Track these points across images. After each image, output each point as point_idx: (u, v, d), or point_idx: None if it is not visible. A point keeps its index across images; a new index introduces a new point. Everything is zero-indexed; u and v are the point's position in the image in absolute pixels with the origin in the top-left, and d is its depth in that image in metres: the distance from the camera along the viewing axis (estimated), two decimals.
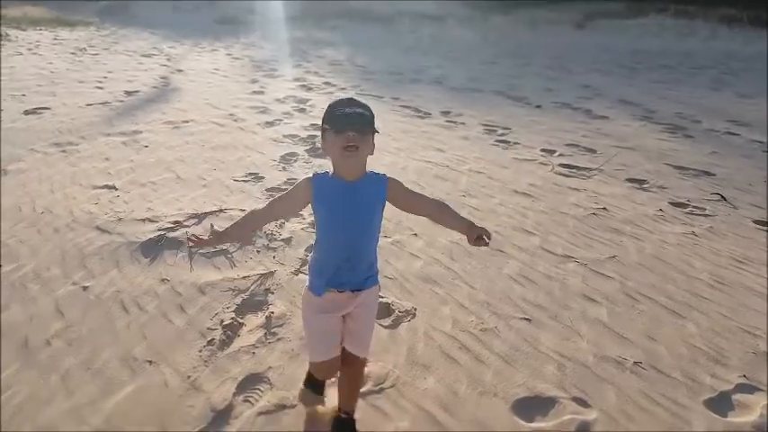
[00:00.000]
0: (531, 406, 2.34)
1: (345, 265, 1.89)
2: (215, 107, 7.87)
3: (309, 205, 1.90)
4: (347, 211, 1.84)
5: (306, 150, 5.84)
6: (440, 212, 2.00)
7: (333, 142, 1.77)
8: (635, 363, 2.64)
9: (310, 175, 1.91)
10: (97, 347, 2.58)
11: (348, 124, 1.73)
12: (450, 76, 12.15)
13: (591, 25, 26.61)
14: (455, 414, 2.28)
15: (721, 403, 2.41)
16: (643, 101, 9.79)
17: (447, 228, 2.03)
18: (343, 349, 2.04)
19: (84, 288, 3.07)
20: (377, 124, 1.81)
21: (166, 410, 2.22)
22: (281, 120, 7.27)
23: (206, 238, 1.88)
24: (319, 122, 1.88)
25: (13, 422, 2.13)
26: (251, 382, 2.40)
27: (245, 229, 1.96)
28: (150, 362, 2.50)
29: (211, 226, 1.97)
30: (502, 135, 7.10)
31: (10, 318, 2.78)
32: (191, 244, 1.86)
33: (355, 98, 1.83)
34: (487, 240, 1.91)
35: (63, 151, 5.51)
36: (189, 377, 2.41)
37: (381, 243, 3.72)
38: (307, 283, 2.01)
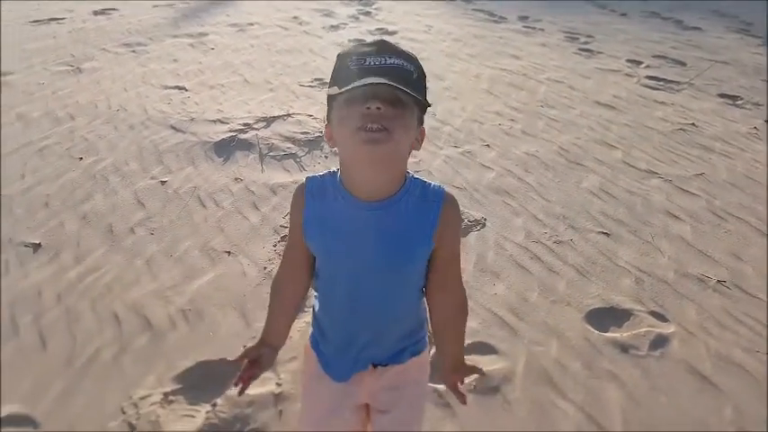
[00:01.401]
0: (606, 317, 2.29)
1: (361, 339, 1.16)
2: (279, 9, 7.65)
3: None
4: (363, 258, 1.04)
5: None
6: (453, 317, 1.19)
7: (342, 120, 0.95)
8: (718, 281, 2.53)
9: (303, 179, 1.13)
10: (178, 237, 2.69)
11: (371, 85, 0.89)
12: None
13: None
14: (525, 318, 2.26)
15: None
16: (740, 12, 8.83)
17: (437, 343, 1.25)
18: None
19: (162, 182, 3.16)
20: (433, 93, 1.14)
21: (245, 295, 2.32)
22: (345, 24, 7.00)
23: (245, 376, 1.19)
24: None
25: (104, 300, 2.27)
26: None
27: (282, 325, 1.24)
28: (228, 252, 2.59)
29: (245, 352, 1.21)
30: (584, 43, 6.62)
31: (95, 206, 2.91)
32: (239, 388, 1.20)
33: (390, 42, 0.98)
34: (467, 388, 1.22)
35: (133, 51, 5.55)
36: (265, 268, 2.48)
37: (450, 153, 3.64)
38: (309, 331, 1.29)
